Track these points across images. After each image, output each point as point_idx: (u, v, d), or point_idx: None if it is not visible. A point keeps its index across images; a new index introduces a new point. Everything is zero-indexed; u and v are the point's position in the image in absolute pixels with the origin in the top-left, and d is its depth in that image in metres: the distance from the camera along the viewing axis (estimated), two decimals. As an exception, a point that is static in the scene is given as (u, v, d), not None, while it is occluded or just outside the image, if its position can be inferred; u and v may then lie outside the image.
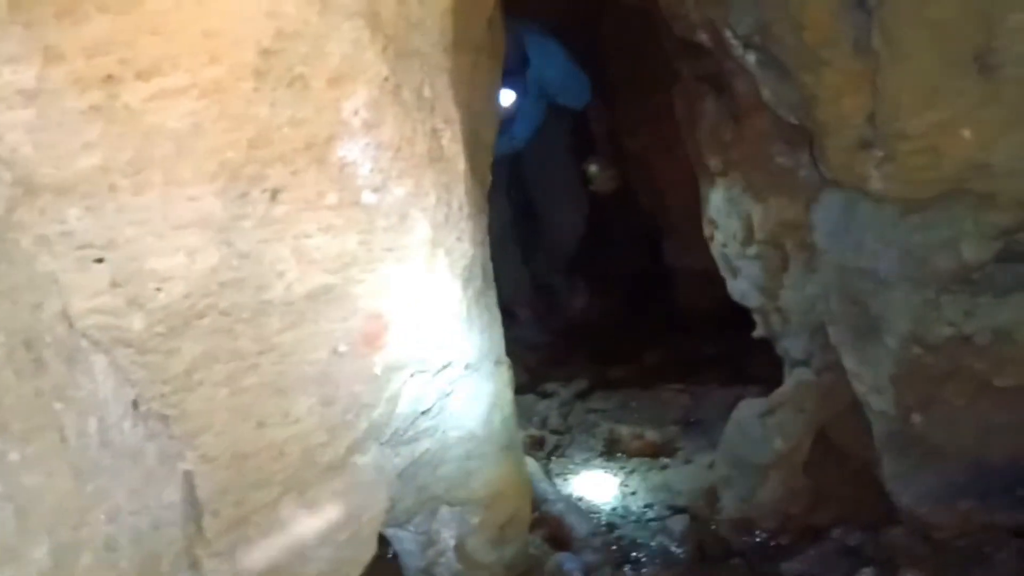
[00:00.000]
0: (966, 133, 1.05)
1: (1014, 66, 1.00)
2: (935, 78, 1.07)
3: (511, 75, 2.05)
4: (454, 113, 0.87)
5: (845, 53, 1.18)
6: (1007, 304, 1.28)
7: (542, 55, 2.34)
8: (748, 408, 1.90)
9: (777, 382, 1.87)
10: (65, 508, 0.54)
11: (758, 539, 1.63)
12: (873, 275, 1.42)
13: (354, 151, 0.67)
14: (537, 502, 1.63)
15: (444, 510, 1.36)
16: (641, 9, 2.05)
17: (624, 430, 2.12)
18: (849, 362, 1.58)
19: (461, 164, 0.87)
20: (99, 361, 0.59)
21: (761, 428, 1.82)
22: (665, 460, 1.98)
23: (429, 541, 1.39)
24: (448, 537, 1.37)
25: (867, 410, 1.64)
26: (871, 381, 1.55)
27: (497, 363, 1.34)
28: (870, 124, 1.19)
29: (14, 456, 0.48)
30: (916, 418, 1.55)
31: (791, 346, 1.86)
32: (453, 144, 0.84)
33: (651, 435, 2.10)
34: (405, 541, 1.41)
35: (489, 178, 1.65)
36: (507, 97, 2.21)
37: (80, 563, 0.55)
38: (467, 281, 0.93)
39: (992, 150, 1.05)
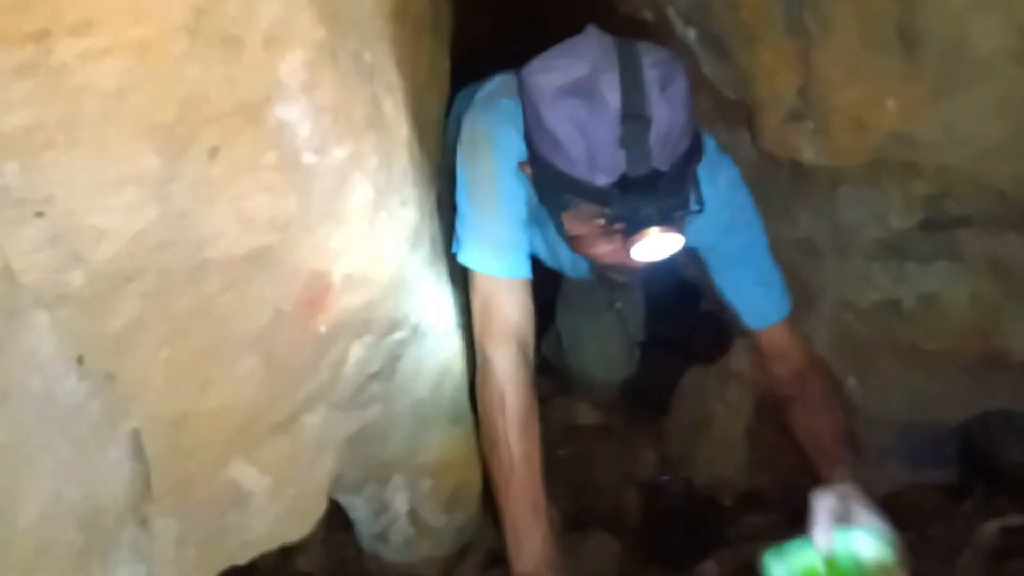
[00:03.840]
0: (890, 104, 1.10)
1: (934, 43, 1.05)
2: (861, 54, 1.11)
3: None
4: (396, 80, 0.89)
5: (778, 32, 1.22)
6: (931, 271, 1.35)
7: (733, 259, 1.33)
8: (692, 377, 1.96)
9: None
10: (12, 452, 0.55)
11: (704, 504, 1.69)
12: (807, 246, 1.49)
13: (292, 112, 0.68)
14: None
15: (396, 477, 1.38)
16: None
17: (580, 406, 2.16)
18: (788, 331, 1.65)
19: (403, 130, 0.89)
20: (41, 318, 0.61)
21: (704, 397, 1.88)
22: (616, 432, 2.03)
23: (382, 508, 1.41)
24: (400, 503, 1.40)
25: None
26: (804, 347, 1.63)
27: (447, 331, 1.36)
28: (802, 98, 1.24)
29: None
30: (851, 382, 1.63)
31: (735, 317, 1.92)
32: (395, 111, 0.86)
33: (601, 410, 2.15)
34: (359, 509, 1.43)
35: (438, 154, 1.66)
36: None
37: (24, 513, 0.57)
38: (413, 246, 0.95)
39: (914, 122, 1.11)
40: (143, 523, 0.76)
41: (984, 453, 1.60)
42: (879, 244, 1.34)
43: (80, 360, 0.64)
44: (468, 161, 1.25)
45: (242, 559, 0.87)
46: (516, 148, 1.17)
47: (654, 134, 1.00)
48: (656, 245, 1.03)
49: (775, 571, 1.14)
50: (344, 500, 1.39)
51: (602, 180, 1.01)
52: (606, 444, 1.93)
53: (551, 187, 1.09)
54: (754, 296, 1.38)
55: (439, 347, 1.27)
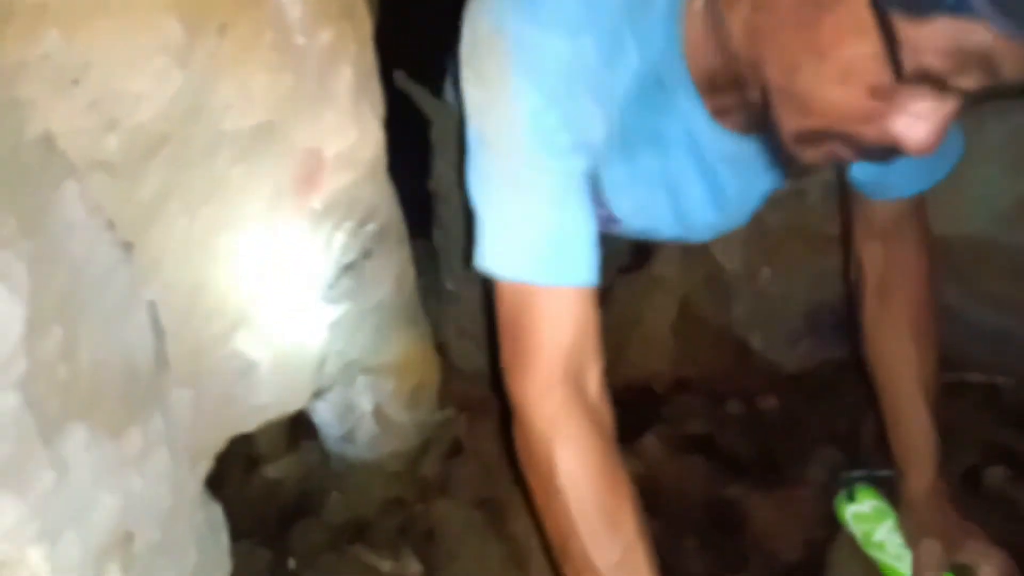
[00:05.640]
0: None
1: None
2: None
3: None
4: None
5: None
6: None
7: None
8: (620, 285, 2.11)
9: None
10: (67, 302, 0.61)
11: (639, 392, 1.86)
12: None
13: (282, -7, 0.75)
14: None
15: (360, 379, 1.47)
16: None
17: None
18: (707, 231, 1.81)
19: (368, 26, 0.95)
20: (71, 187, 0.66)
21: (632, 301, 2.04)
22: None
23: (347, 409, 1.50)
24: (366, 403, 1.49)
25: (722, 274, 1.89)
26: (723, 245, 1.79)
27: (402, 236, 1.45)
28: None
29: (25, 245, 0.56)
30: (765, 272, 1.81)
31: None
32: (360, 6, 0.93)
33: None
34: (324, 412, 1.51)
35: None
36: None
37: (81, 356, 0.63)
38: (384, 139, 1.02)
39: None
40: (160, 393, 0.83)
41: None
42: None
43: (110, 227, 0.70)
44: (482, 100, 0.83)
45: (250, 426, 0.95)
46: (588, 45, 0.77)
47: None
48: None
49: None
50: (309, 405, 1.47)
51: None
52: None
53: None
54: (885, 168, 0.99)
55: (398, 249, 1.35)
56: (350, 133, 0.86)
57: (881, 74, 0.63)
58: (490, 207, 0.84)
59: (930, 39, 0.59)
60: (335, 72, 0.82)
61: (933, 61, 0.60)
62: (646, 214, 1.00)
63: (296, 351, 0.97)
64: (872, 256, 1.13)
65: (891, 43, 0.61)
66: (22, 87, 0.60)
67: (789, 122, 0.72)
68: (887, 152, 0.69)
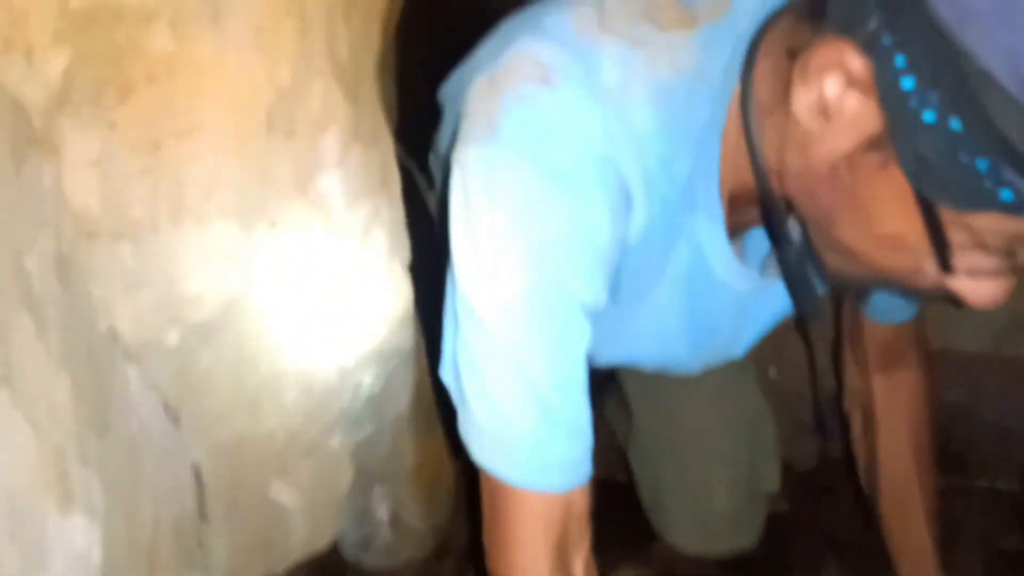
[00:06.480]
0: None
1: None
2: None
3: None
4: (389, 141, 1.02)
5: None
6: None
7: None
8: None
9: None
10: (128, 487, 0.66)
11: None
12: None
13: (328, 183, 0.81)
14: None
15: (377, 488, 1.50)
16: None
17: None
18: (713, 330, 1.86)
19: (397, 186, 1.02)
20: (132, 371, 0.71)
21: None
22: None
23: (364, 518, 1.53)
24: (383, 512, 1.52)
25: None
26: (732, 344, 1.84)
27: (420, 353, 1.49)
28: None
29: (99, 456, 0.60)
30: (772, 372, 1.86)
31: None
32: (391, 171, 0.99)
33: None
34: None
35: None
36: None
37: (139, 537, 0.68)
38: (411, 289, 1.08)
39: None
40: (200, 544, 0.87)
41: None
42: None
43: (163, 403, 0.75)
44: (475, 274, 0.73)
45: (279, 569, 0.98)
46: (593, 144, 0.68)
47: None
48: None
49: None
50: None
51: None
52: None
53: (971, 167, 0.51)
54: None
55: (416, 366, 1.40)
56: (384, 292, 0.91)
57: (932, 255, 0.59)
58: (475, 387, 0.74)
59: (982, 225, 0.56)
60: (371, 239, 0.88)
61: (987, 240, 0.57)
62: (627, 350, 0.94)
63: (325, 491, 1.01)
64: (872, 388, 1.15)
65: (941, 245, 0.57)
66: (96, 288, 0.65)
67: (827, 259, 0.68)
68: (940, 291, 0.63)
